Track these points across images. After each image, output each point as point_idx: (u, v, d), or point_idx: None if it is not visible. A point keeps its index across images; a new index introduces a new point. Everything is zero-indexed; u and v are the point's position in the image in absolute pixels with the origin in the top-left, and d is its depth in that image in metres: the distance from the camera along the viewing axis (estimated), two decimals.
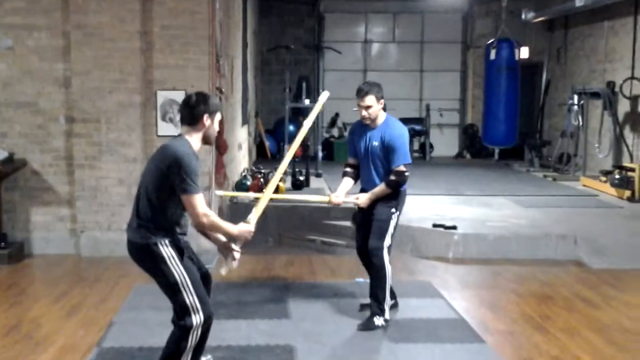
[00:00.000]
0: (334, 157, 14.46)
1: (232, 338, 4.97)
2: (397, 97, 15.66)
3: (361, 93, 5.23)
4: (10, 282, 6.46)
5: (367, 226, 5.41)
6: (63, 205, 7.51)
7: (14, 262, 7.08)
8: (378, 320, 5.21)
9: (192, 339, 3.88)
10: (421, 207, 8.93)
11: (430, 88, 16.38)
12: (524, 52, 13.71)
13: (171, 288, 3.87)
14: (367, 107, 5.22)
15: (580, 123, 12.29)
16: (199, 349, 4.04)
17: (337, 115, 15.77)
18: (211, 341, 4.83)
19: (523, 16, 14.17)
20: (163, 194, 3.81)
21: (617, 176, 10.10)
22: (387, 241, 5.30)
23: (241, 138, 10.80)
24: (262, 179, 9.24)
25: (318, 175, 11.56)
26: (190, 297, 3.84)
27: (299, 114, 14.98)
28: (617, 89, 11.85)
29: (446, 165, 14.44)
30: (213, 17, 7.44)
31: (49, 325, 5.25)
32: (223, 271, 4.13)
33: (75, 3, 7.15)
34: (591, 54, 13.39)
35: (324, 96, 5.31)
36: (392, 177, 5.21)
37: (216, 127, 4.07)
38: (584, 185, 11.23)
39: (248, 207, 8.39)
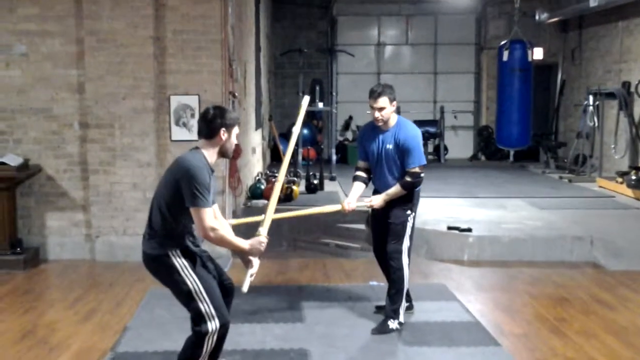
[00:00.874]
0: (348, 160, 14.44)
1: (246, 342, 4.97)
2: (411, 100, 15.68)
3: (374, 94, 5.17)
4: (26, 288, 6.49)
5: (383, 229, 5.39)
6: (78, 210, 7.54)
7: (30, 268, 7.12)
8: (392, 324, 5.19)
9: (207, 345, 3.90)
10: (436, 210, 8.89)
11: (444, 90, 16.34)
12: (538, 53, 13.65)
13: (185, 297, 3.91)
14: (380, 109, 5.17)
15: (596, 124, 12.21)
16: (215, 354, 4.04)
17: (350, 118, 15.77)
18: (226, 345, 4.82)
19: (537, 17, 14.12)
20: (175, 206, 3.85)
21: (633, 177, 10.02)
22: (406, 243, 5.29)
23: (255, 142, 10.80)
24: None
25: (332, 179, 11.54)
26: (205, 305, 3.87)
27: (313, 118, 15.03)
28: (632, 89, 11.77)
29: (461, 168, 14.39)
30: (225, 22, 7.46)
31: (64, 330, 5.27)
32: (244, 288, 4.12)
33: (88, 9, 7.19)
34: (606, 54, 13.31)
35: (305, 101, 5.19)
36: (408, 179, 5.18)
37: (234, 141, 4.12)
38: (600, 187, 11.15)
39: (263, 210, 8.41)
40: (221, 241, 3.95)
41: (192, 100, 7.40)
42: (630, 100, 11.77)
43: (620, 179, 10.57)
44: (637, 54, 12.04)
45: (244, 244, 4.09)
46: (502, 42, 13.27)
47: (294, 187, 9.29)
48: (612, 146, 12.03)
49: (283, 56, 14.90)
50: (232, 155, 7.71)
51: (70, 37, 7.36)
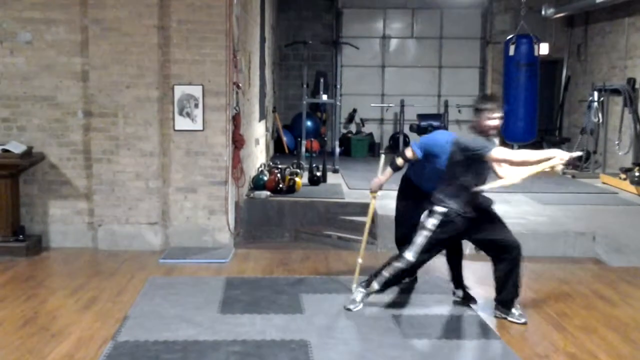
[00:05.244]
0: (351, 153, 14.45)
1: (247, 333, 4.97)
2: (415, 93, 15.66)
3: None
4: (28, 275, 6.51)
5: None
6: (81, 198, 7.55)
7: (32, 255, 7.14)
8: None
9: (400, 265, 5.32)
10: None
11: (448, 84, 16.28)
12: (543, 49, 13.60)
13: (421, 228, 5.27)
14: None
15: (600, 120, 12.18)
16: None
17: (354, 111, 15.75)
18: (226, 335, 4.88)
19: (543, 12, 14.07)
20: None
21: (637, 174, 10.01)
22: None
23: (258, 133, 10.80)
24: (278, 175, 9.23)
25: (335, 171, 11.54)
26: (422, 244, 5.23)
27: (317, 110, 15.02)
28: (637, 85, 11.74)
29: None
30: (230, 12, 7.44)
31: (65, 318, 5.29)
32: None
33: None
34: (611, 50, 13.26)
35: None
36: None
37: (485, 122, 5.12)
38: (604, 183, 11.14)
39: (264, 202, 8.43)
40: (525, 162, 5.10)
41: (196, 90, 7.39)
42: (635, 96, 11.74)
43: (623, 176, 10.55)
44: None
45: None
46: (509, 37, 13.24)
47: (297, 179, 9.28)
48: (616, 142, 12.00)
49: (288, 48, 14.89)
50: (236, 146, 7.80)
51: (75, 26, 7.36)
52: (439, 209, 5.23)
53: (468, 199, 5.21)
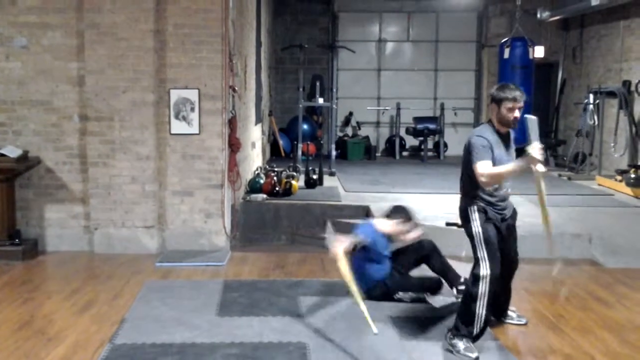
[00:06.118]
0: (348, 156, 14.45)
1: (244, 335, 4.97)
2: (411, 96, 15.70)
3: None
4: (24, 279, 6.50)
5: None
6: (77, 202, 7.55)
7: (28, 259, 7.14)
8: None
9: (482, 287, 4.62)
10: (434, 206, 8.89)
11: (444, 87, 16.32)
12: (539, 52, 13.65)
13: (472, 240, 4.78)
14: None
15: (596, 122, 12.21)
16: (495, 306, 4.98)
17: (350, 114, 15.76)
18: (223, 338, 4.88)
19: (538, 15, 14.12)
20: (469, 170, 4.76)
21: (632, 175, 10.02)
22: None
23: (255, 136, 10.80)
24: (275, 178, 9.24)
25: (332, 174, 11.54)
26: (481, 251, 4.68)
27: (313, 113, 15.04)
28: (632, 88, 11.77)
29: (460, 164, 14.36)
30: (226, 16, 7.45)
31: (61, 321, 5.28)
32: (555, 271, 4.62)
33: (89, 2, 7.19)
34: (607, 53, 13.30)
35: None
36: None
37: (504, 112, 4.78)
38: (599, 185, 11.15)
39: (260, 205, 8.43)
40: (494, 177, 4.64)
41: (192, 94, 7.40)
42: (630, 99, 11.77)
43: (619, 177, 10.57)
44: (638, 53, 12.03)
45: (516, 165, 4.67)
46: (504, 40, 13.27)
47: (293, 182, 9.28)
48: (612, 145, 12.03)
49: (284, 51, 14.91)
50: (232, 149, 7.80)
51: (71, 30, 7.37)
52: (470, 210, 4.82)
53: (492, 194, 4.83)
